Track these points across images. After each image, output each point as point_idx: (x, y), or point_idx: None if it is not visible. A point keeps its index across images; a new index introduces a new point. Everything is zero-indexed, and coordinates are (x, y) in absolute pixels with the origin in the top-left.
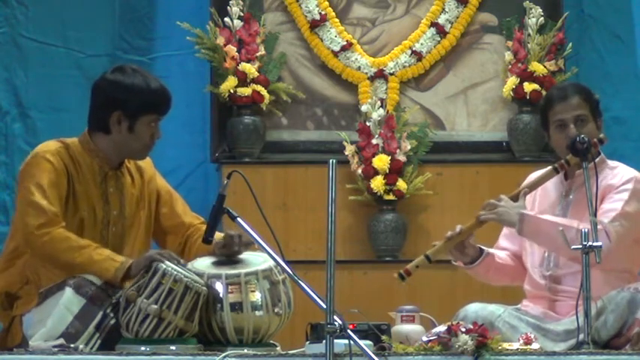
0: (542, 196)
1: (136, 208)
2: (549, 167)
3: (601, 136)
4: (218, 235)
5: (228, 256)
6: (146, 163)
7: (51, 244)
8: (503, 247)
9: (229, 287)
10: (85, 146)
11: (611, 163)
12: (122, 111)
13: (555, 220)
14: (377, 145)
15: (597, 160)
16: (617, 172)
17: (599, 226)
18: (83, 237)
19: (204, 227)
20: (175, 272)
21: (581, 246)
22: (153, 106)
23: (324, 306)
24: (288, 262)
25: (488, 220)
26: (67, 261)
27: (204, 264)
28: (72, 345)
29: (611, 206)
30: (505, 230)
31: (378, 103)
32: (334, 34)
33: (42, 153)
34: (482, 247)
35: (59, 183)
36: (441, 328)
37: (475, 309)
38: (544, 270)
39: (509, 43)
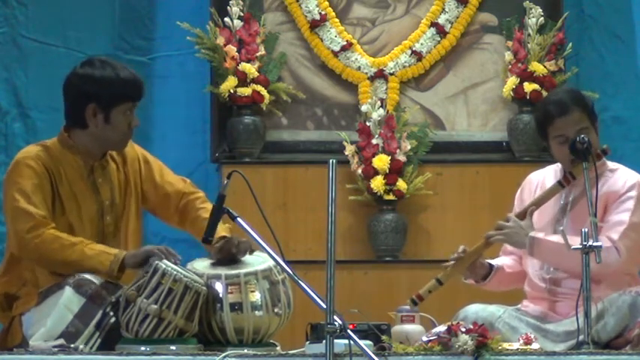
0: None
1: (125, 193)
2: (555, 182)
3: (604, 147)
4: (219, 231)
5: (226, 259)
6: (127, 146)
7: (43, 246)
8: (509, 252)
9: (229, 287)
10: (64, 144)
11: (610, 164)
12: (96, 103)
13: (564, 242)
14: (377, 145)
15: (598, 163)
16: (618, 176)
17: (608, 244)
18: (74, 235)
19: (196, 200)
20: (175, 272)
21: (581, 246)
22: (125, 95)
23: (324, 306)
24: (288, 262)
25: (497, 241)
26: (60, 260)
27: (203, 264)
28: (72, 344)
29: (618, 218)
30: None
31: (378, 103)
32: (334, 34)
33: (22, 159)
34: (491, 263)
35: (43, 186)
36: (441, 328)
37: (475, 309)
38: (544, 273)
39: (509, 43)
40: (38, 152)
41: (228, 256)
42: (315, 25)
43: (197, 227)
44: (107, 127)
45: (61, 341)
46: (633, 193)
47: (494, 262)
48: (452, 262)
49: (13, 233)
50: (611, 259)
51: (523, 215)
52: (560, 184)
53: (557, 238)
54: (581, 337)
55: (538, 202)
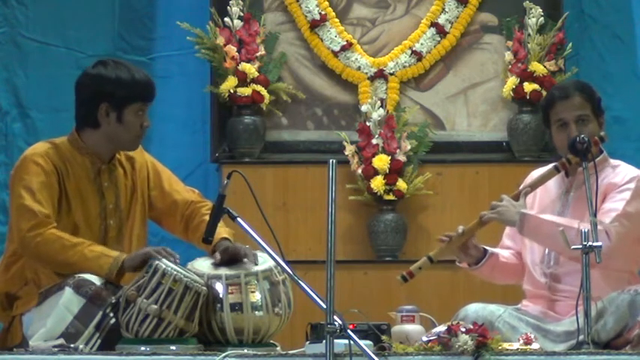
0: (543, 193)
1: (131, 199)
2: (550, 166)
3: (602, 134)
4: (220, 232)
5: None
6: (136, 152)
7: (44, 245)
8: (507, 246)
9: (229, 288)
10: (74, 144)
11: (613, 161)
12: (109, 103)
13: (556, 220)
14: (377, 145)
15: (599, 158)
16: (619, 171)
17: (599, 227)
18: (80, 234)
19: (202, 207)
20: (175, 272)
21: (581, 246)
22: (138, 95)
23: (324, 306)
24: (288, 262)
25: (489, 219)
26: (61, 260)
27: (204, 264)
28: (72, 345)
29: (613, 206)
30: (508, 230)
31: (378, 103)
32: (334, 34)
33: (30, 156)
34: (486, 248)
35: (50, 184)
36: (441, 328)
37: (475, 309)
38: (544, 267)
39: (509, 43)
40: (47, 149)
41: (231, 256)
42: (315, 25)
43: (200, 232)
44: (120, 126)
45: (61, 341)
46: (631, 185)
47: (490, 248)
48: (445, 240)
49: (16, 230)
50: (602, 243)
51: (517, 197)
52: (556, 169)
53: (548, 217)
54: (581, 337)
55: (533, 185)
